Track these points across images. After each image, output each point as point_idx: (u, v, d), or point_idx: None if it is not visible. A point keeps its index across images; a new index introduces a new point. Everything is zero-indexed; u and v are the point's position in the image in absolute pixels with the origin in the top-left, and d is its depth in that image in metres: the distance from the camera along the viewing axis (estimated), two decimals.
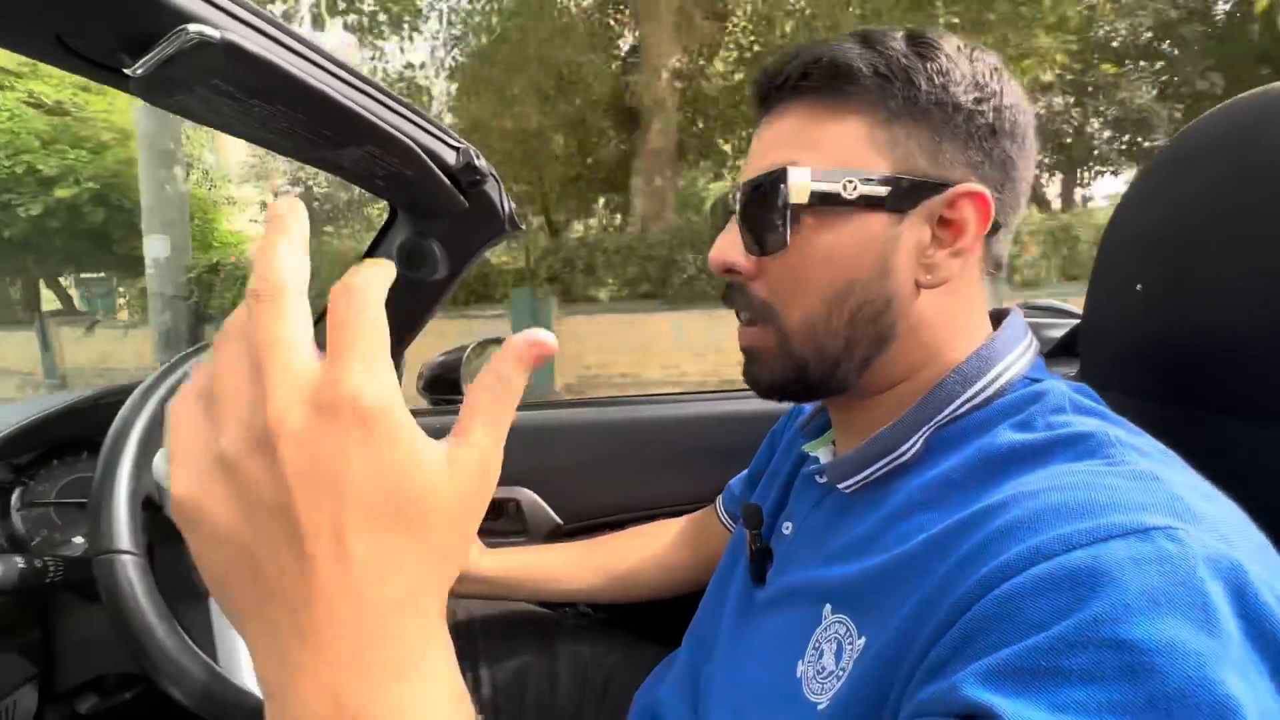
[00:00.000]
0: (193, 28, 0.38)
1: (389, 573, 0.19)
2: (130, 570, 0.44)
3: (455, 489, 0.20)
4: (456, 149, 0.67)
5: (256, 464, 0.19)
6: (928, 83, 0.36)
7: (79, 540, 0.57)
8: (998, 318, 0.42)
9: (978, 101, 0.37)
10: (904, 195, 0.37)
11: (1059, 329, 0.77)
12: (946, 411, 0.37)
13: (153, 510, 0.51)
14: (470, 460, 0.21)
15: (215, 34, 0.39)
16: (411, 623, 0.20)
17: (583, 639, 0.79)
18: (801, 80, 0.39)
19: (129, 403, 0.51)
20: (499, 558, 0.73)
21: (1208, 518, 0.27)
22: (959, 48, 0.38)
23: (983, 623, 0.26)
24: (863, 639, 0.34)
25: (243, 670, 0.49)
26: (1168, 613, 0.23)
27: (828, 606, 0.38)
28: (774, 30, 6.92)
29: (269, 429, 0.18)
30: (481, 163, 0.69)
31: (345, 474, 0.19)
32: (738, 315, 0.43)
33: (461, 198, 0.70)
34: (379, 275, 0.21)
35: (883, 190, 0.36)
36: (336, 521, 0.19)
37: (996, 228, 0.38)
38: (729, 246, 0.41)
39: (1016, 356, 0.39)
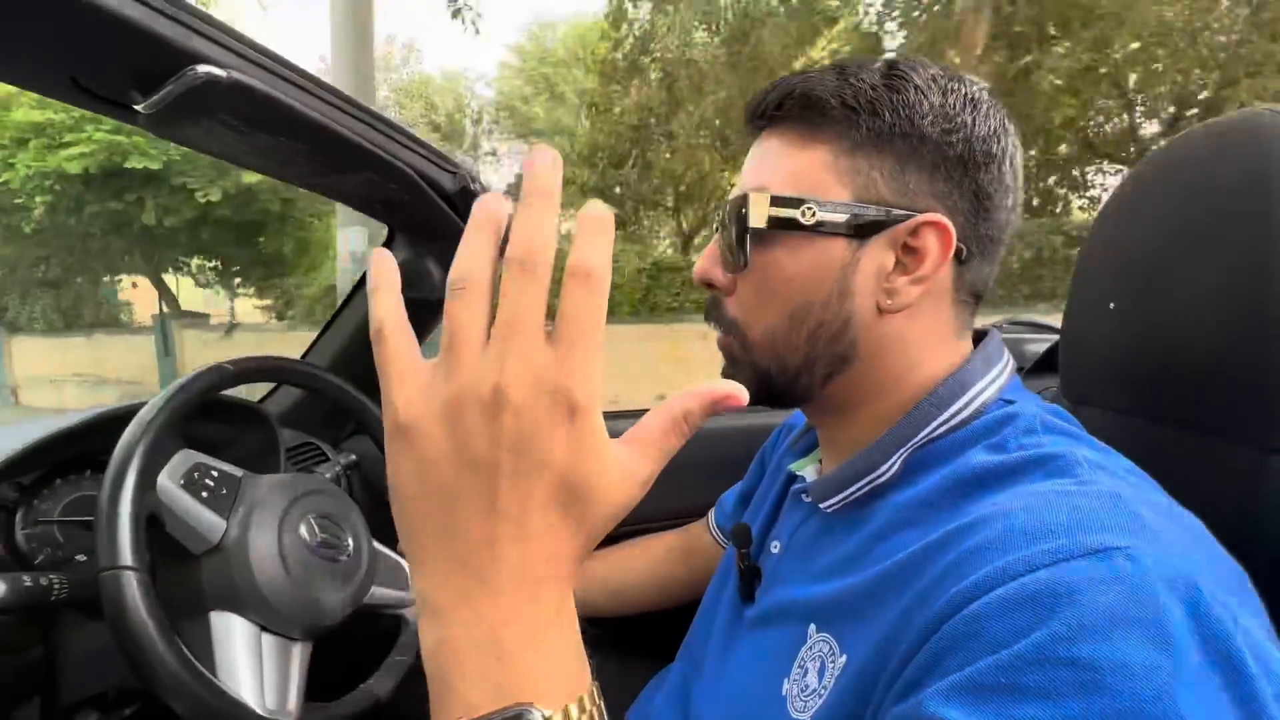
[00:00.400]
0: (201, 68, 0.40)
1: (556, 547, 0.22)
2: (134, 586, 0.45)
3: (622, 492, 0.23)
4: (453, 173, 0.69)
5: (479, 419, 0.21)
6: (892, 114, 0.37)
7: (82, 558, 0.58)
8: (978, 337, 0.43)
9: (945, 133, 0.37)
10: (863, 223, 0.37)
11: (1041, 344, 0.79)
12: (923, 433, 0.38)
13: (157, 528, 0.52)
14: (642, 473, 0.23)
15: (222, 73, 0.41)
16: (556, 589, 0.23)
17: None
18: (776, 110, 0.40)
19: (134, 424, 0.52)
20: None
21: (1168, 537, 0.28)
22: (934, 78, 0.38)
23: (951, 642, 0.27)
24: (844, 657, 0.35)
25: (242, 685, 0.50)
26: (1124, 632, 0.24)
27: (812, 626, 0.38)
28: None
29: (500, 392, 0.21)
30: (477, 185, 0.71)
31: (550, 455, 0.21)
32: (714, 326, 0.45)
33: (458, 220, 0.72)
34: (608, 258, 0.22)
35: (840, 217, 0.37)
36: (528, 493, 0.21)
37: (966, 256, 0.39)
38: (711, 263, 0.43)
39: (992, 379, 0.39)
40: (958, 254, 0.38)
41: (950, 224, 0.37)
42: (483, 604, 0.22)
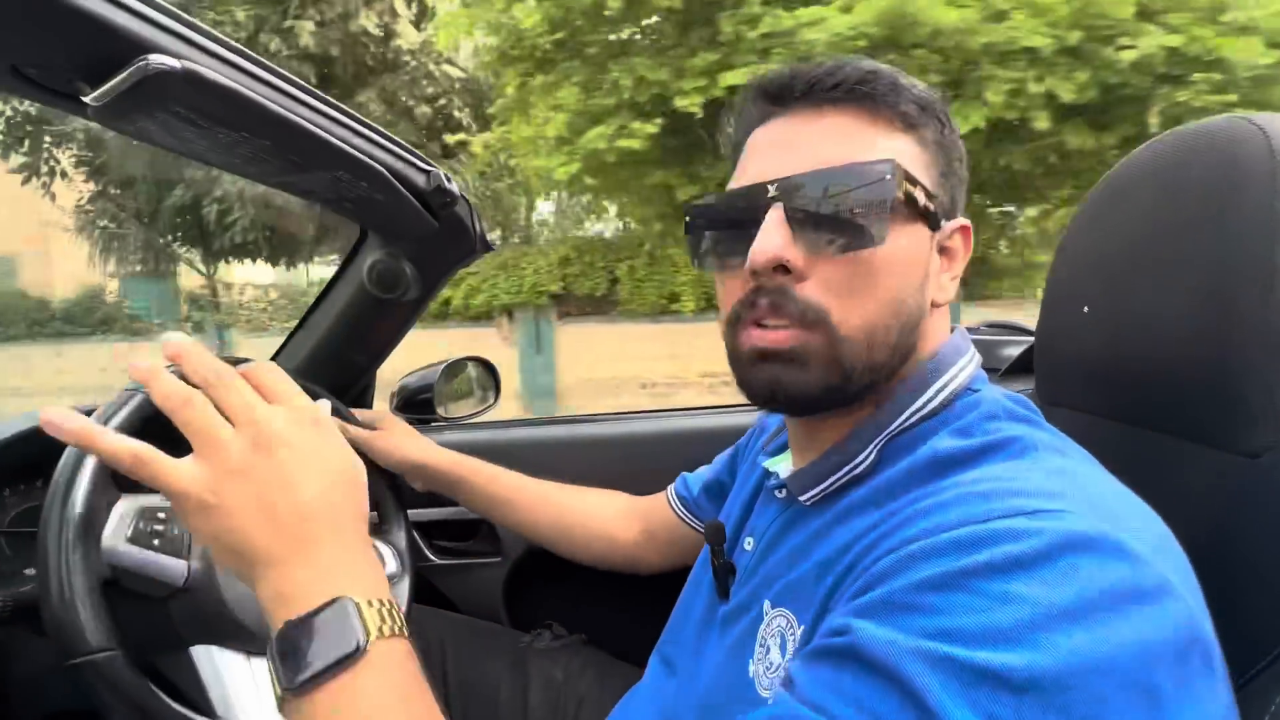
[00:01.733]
0: (153, 58, 0.38)
1: (335, 514, 0.35)
2: (117, 671, 0.41)
3: (354, 466, 0.38)
4: (427, 172, 0.67)
5: (259, 457, 0.34)
6: (947, 124, 0.40)
7: (30, 572, 0.55)
8: None
9: (964, 155, 0.42)
10: (939, 214, 0.39)
11: (1016, 347, 0.80)
12: (898, 422, 0.39)
13: (113, 585, 0.47)
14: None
15: (176, 64, 0.39)
16: (350, 536, 0.36)
17: (555, 661, 0.78)
18: (859, 84, 0.38)
19: (54, 486, 0.46)
20: (460, 467, 0.73)
21: (1104, 506, 0.30)
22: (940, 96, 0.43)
23: (879, 576, 0.30)
24: (802, 627, 0.36)
25: (246, 715, 0.48)
26: (1023, 571, 0.27)
27: (766, 602, 0.40)
28: None
29: (267, 437, 0.34)
30: (452, 185, 0.69)
31: (312, 464, 0.36)
32: (751, 319, 0.39)
33: (432, 219, 0.70)
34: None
35: (933, 205, 0.38)
36: (302, 489, 0.35)
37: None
38: (785, 241, 0.36)
39: (960, 368, 0.40)
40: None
41: (971, 229, 0.41)
42: (308, 553, 0.34)
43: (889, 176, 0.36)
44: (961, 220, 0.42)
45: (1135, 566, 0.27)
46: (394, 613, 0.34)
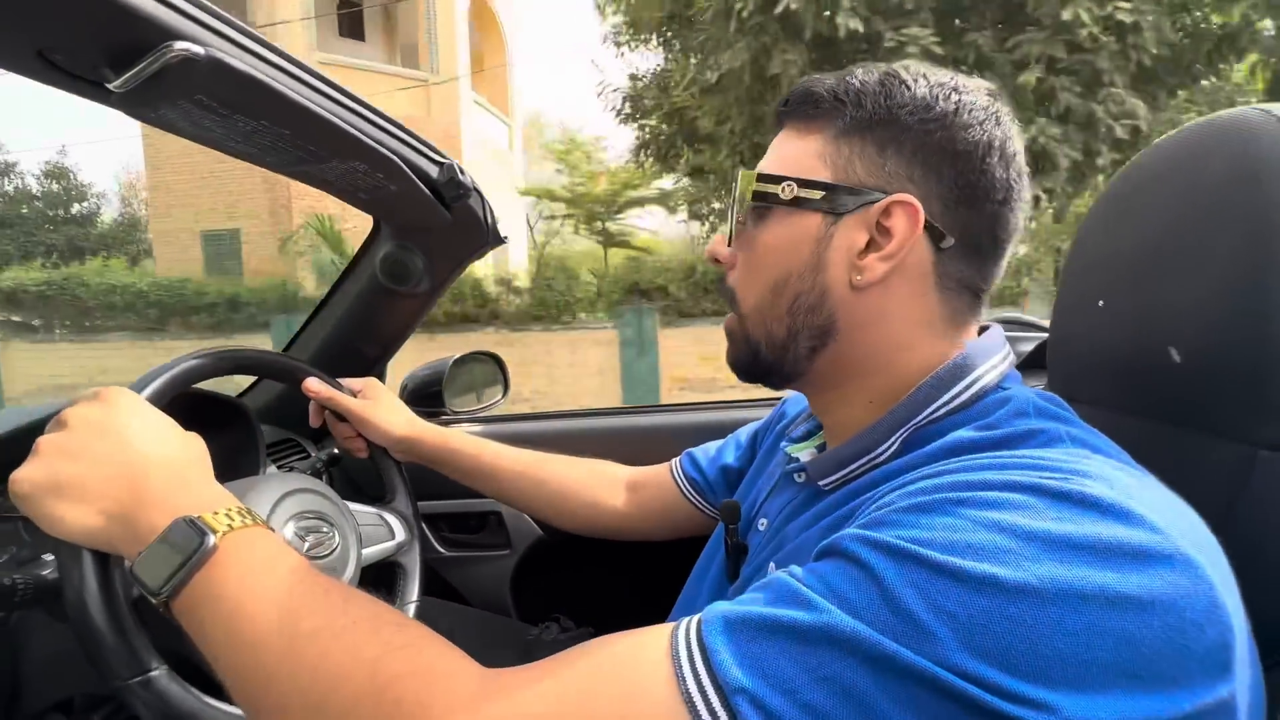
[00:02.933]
0: (178, 45, 0.38)
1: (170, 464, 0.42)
2: (159, 690, 0.41)
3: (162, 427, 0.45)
4: (440, 164, 0.67)
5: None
6: (873, 103, 0.40)
7: (48, 557, 0.55)
8: (981, 332, 0.45)
9: (922, 122, 0.39)
10: (836, 200, 0.40)
11: (1029, 343, 0.79)
12: (923, 414, 0.39)
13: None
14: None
15: (200, 51, 0.39)
16: (194, 472, 0.43)
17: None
18: (784, 106, 0.45)
19: None
20: (448, 439, 0.73)
21: (1131, 490, 0.29)
22: (924, 77, 0.40)
23: (877, 509, 0.32)
24: None
25: None
26: (1015, 509, 0.28)
27: (771, 564, 0.42)
28: None
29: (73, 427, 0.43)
30: (465, 177, 0.69)
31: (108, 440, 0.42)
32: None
33: (445, 211, 0.71)
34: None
35: (816, 194, 0.41)
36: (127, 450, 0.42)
37: (947, 244, 0.39)
38: (719, 241, 0.47)
39: (992, 366, 0.40)
40: (937, 240, 0.39)
41: (918, 205, 0.38)
42: (140, 503, 0.39)
43: (735, 184, 0.44)
44: (898, 196, 0.39)
45: (1146, 532, 0.27)
46: (244, 513, 0.40)
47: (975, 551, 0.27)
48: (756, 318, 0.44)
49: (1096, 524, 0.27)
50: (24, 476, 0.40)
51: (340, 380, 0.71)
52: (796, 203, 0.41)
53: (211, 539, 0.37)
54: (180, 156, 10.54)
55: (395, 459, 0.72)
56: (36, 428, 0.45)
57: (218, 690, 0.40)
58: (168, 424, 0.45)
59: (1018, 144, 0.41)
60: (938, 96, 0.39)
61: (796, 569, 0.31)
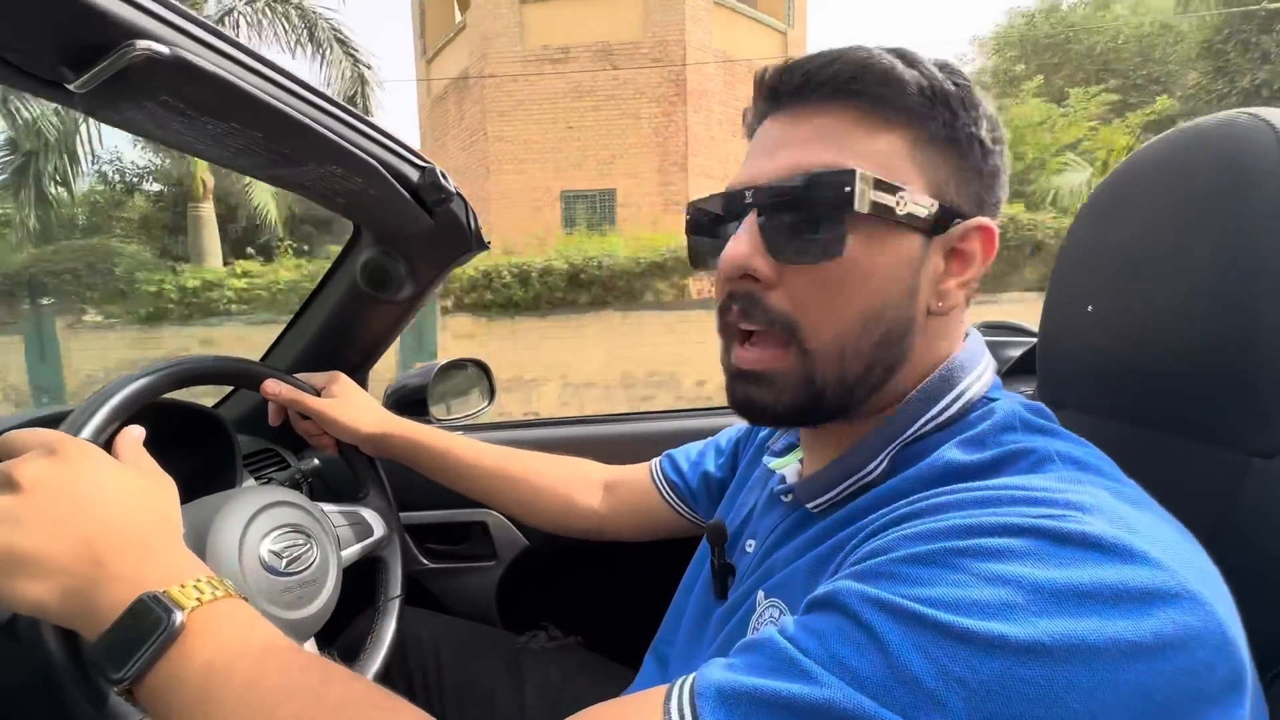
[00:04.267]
0: (140, 44, 0.37)
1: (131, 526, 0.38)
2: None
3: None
4: (422, 168, 0.66)
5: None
6: (964, 113, 0.36)
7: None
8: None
9: (994, 141, 0.37)
10: (936, 219, 0.36)
11: (1017, 348, 0.79)
12: (911, 430, 0.38)
13: None
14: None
15: (165, 50, 0.38)
16: (160, 535, 0.39)
17: (551, 663, 0.77)
18: (849, 82, 0.36)
19: None
20: (416, 432, 0.70)
21: (1126, 518, 0.28)
22: (974, 80, 0.38)
23: (871, 553, 0.30)
24: (790, 618, 0.36)
25: None
26: (1017, 559, 0.26)
27: (760, 593, 0.40)
28: None
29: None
30: (448, 182, 0.68)
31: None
32: (730, 329, 0.40)
33: (427, 216, 0.69)
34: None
35: (923, 211, 0.35)
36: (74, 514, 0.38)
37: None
38: (751, 249, 0.37)
39: (976, 376, 0.39)
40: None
41: (996, 229, 0.38)
42: (99, 574, 0.35)
43: (848, 188, 0.34)
44: (980, 220, 0.37)
45: (1151, 570, 0.26)
46: (214, 583, 0.36)
47: (982, 609, 0.25)
48: (833, 353, 0.37)
49: (1100, 567, 0.26)
50: None
51: (303, 376, 0.70)
52: (907, 218, 0.35)
53: (179, 616, 0.33)
54: (526, 108, 9.16)
55: (368, 455, 0.71)
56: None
57: None
58: (131, 478, 0.41)
59: None
60: (994, 112, 0.38)
61: (789, 623, 0.30)
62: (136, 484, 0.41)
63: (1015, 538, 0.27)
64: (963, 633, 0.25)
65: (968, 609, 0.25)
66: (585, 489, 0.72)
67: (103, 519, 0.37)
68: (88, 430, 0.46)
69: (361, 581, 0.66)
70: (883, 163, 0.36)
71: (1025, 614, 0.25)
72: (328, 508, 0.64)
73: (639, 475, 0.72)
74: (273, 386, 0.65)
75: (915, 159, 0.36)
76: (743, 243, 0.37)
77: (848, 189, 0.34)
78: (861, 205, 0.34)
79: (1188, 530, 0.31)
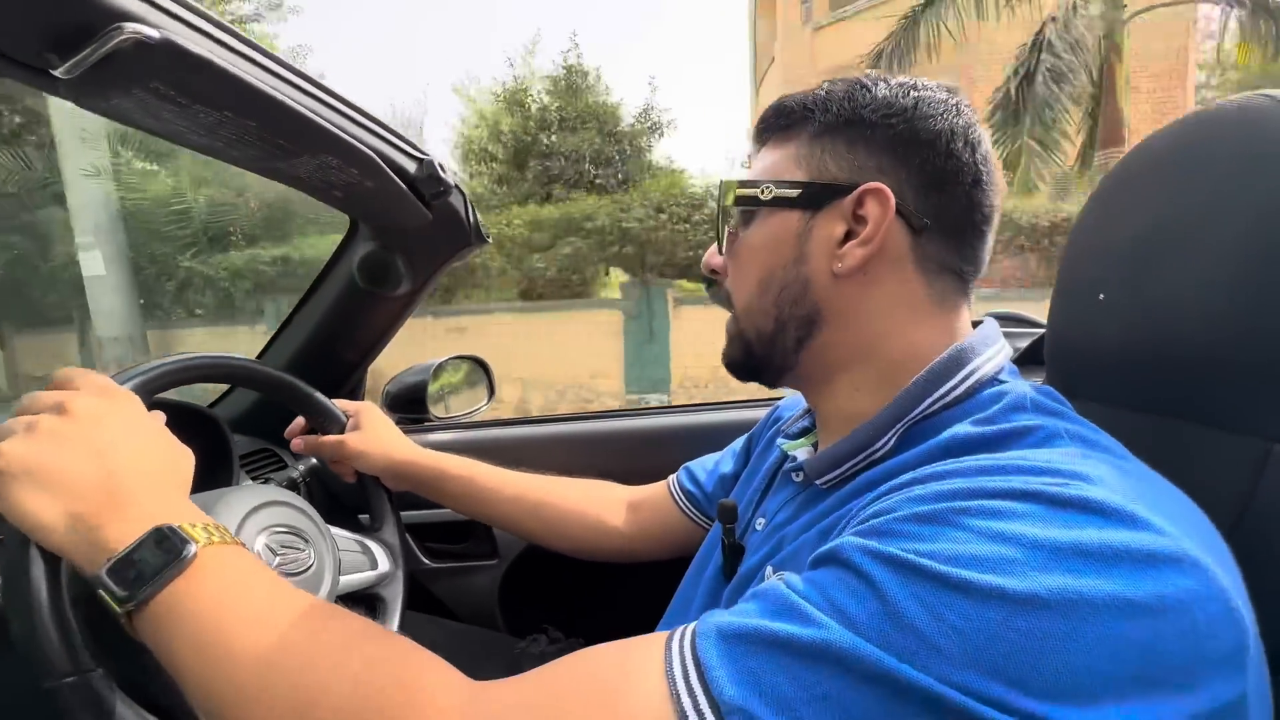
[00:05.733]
0: (129, 27, 0.36)
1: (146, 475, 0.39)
2: (90, 693, 0.38)
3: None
4: (420, 159, 0.65)
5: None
6: (839, 106, 0.43)
7: None
8: (974, 326, 0.45)
9: (885, 117, 0.42)
10: (813, 196, 0.42)
11: (1024, 339, 0.78)
12: (919, 409, 0.39)
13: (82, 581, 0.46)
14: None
15: (154, 33, 0.37)
16: (148, 495, 0.39)
17: None
18: (761, 123, 0.47)
19: None
20: (438, 461, 0.70)
21: (1133, 489, 0.28)
22: (885, 80, 0.44)
23: (875, 514, 0.31)
24: None
25: None
26: (1019, 518, 0.27)
27: (769, 568, 0.41)
28: None
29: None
30: (446, 174, 0.67)
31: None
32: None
33: (425, 209, 0.68)
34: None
35: (793, 193, 0.43)
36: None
37: (923, 228, 0.41)
38: (711, 253, 0.50)
39: (987, 359, 0.40)
40: (911, 224, 0.41)
41: (888, 191, 0.40)
42: (121, 509, 0.37)
43: (718, 191, 0.46)
44: (868, 184, 0.40)
45: (1154, 535, 0.26)
46: (222, 530, 0.38)
47: (981, 563, 0.26)
48: (747, 315, 0.46)
49: (1102, 530, 0.26)
50: (6, 449, 0.37)
51: (335, 402, 0.69)
52: (775, 202, 0.44)
53: (192, 548, 0.35)
54: None
55: (385, 487, 0.70)
56: None
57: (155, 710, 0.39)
58: (163, 436, 0.43)
59: (980, 131, 0.42)
60: (898, 95, 0.42)
61: (793, 577, 0.30)
62: (166, 442, 0.43)
63: (1018, 501, 0.28)
64: (960, 582, 0.25)
65: (967, 562, 0.26)
66: (610, 511, 0.72)
67: (130, 460, 0.39)
68: (137, 381, 0.48)
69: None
70: (770, 169, 0.45)
71: (1024, 568, 0.25)
72: (336, 531, 0.62)
73: (658, 492, 0.72)
74: (299, 442, 0.69)
75: (798, 157, 0.44)
76: (714, 248, 0.50)
77: (719, 193, 0.46)
78: (728, 201, 0.46)
79: (1197, 508, 0.30)
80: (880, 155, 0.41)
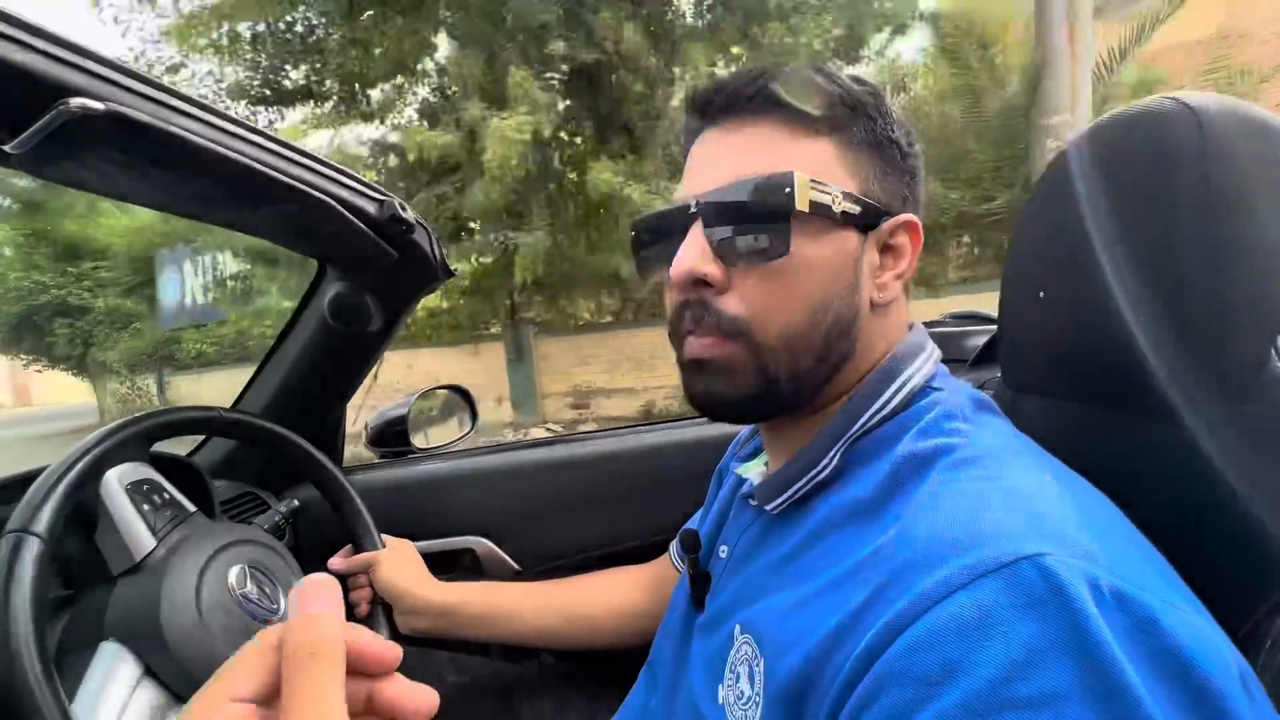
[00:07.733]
0: (74, 101, 0.37)
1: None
2: (33, 552, 0.41)
3: None
4: (380, 201, 0.66)
5: None
6: (881, 119, 0.39)
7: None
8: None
9: (909, 144, 0.41)
10: (868, 216, 0.39)
11: (983, 336, 0.80)
12: (857, 425, 0.38)
13: (86, 539, 0.49)
14: None
15: (99, 105, 0.38)
16: None
17: (545, 693, 0.76)
18: (774, 94, 0.38)
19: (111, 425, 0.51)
20: (457, 591, 0.71)
21: (1069, 532, 0.28)
22: (884, 93, 0.42)
23: (887, 678, 0.27)
24: (762, 660, 0.35)
25: None
26: (1050, 661, 0.25)
27: (736, 627, 0.39)
28: None
29: None
30: (408, 213, 0.68)
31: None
32: (681, 335, 0.41)
33: (390, 249, 0.69)
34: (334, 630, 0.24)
35: (857, 208, 0.38)
36: None
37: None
38: (700, 257, 0.38)
39: (917, 367, 0.40)
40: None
41: (920, 225, 0.40)
42: None
43: (789, 189, 0.36)
44: (905, 216, 0.40)
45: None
46: None
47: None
48: (783, 346, 0.38)
49: (1078, 617, 0.25)
50: None
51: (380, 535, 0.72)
52: (844, 216, 0.37)
53: None
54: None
55: (392, 620, 0.71)
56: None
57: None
58: None
59: None
60: (904, 118, 0.41)
61: None
62: None
63: (1010, 619, 0.26)
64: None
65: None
66: (631, 596, 0.72)
67: None
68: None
69: None
70: (816, 166, 0.38)
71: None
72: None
73: (663, 564, 0.72)
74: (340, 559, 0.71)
75: (845, 162, 0.39)
76: (692, 251, 0.38)
77: (788, 190, 0.36)
78: (802, 204, 0.36)
79: (1110, 502, 0.32)
80: (903, 184, 0.41)
